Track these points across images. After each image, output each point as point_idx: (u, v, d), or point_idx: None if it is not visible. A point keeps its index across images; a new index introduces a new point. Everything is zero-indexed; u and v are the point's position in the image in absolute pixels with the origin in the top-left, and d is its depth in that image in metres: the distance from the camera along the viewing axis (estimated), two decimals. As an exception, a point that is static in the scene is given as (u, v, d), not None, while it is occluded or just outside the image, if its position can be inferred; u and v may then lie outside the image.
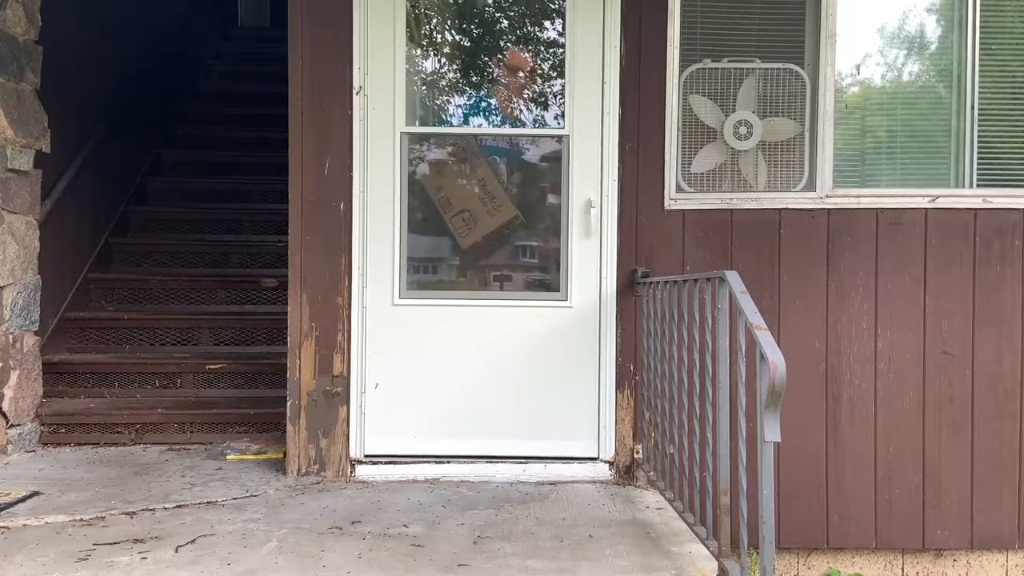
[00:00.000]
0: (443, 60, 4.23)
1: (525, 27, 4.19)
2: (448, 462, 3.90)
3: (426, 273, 4.11)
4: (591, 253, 3.94)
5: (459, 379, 3.92)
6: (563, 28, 4.03)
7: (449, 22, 4.19)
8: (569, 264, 3.95)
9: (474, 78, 4.12)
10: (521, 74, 4.10)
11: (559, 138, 3.97)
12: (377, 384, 3.93)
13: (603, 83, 3.90)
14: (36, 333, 4.59)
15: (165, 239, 5.95)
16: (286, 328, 3.87)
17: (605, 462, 3.92)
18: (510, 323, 3.92)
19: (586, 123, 3.94)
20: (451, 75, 4.24)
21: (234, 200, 6.34)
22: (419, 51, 4.08)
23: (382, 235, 3.90)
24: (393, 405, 3.92)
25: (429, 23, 4.12)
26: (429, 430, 3.93)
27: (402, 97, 3.92)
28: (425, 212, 4.06)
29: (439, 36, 4.22)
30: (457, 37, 4.40)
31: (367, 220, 3.89)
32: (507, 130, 4.06)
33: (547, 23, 4.15)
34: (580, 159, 3.94)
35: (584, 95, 3.95)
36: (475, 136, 4.05)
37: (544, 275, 4.03)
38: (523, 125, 4.07)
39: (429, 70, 4.13)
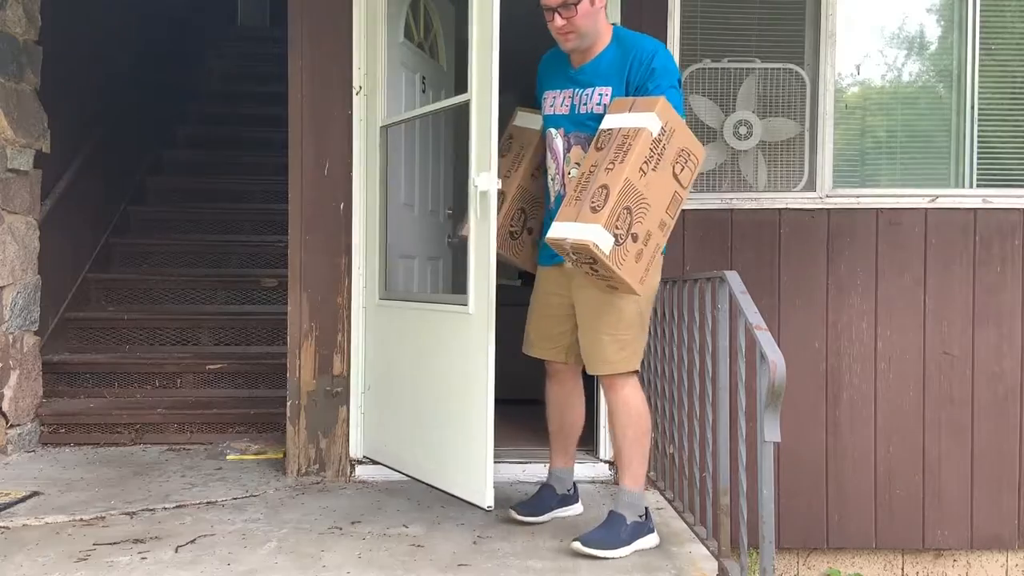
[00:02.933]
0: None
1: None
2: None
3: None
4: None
5: (434, 383, 3.88)
6: (563, 28, 4.01)
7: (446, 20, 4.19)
8: (569, 264, 3.92)
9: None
10: None
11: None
12: (369, 387, 3.92)
13: (603, 83, 3.88)
14: (36, 333, 4.59)
15: (165, 239, 5.95)
16: (286, 328, 3.87)
17: (605, 462, 3.91)
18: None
19: (586, 123, 3.92)
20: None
21: (234, 200, 6.34)
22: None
23: (373, 233, 3.88)
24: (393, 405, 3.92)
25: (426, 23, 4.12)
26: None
27: (384, 92, 3.87)
28: (425, 212, 4.05)
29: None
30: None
31: (367, 220, 3.88)
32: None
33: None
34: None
35: (584, 95, 3.93)
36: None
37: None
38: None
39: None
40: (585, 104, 2.88)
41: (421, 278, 4.06)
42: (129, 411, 4.60)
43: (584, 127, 2.89)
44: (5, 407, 4.27)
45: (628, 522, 2.88)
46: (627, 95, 2.80)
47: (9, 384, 4.32)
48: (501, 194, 2.96)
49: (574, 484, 3.30)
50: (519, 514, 3.18)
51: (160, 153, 6.72)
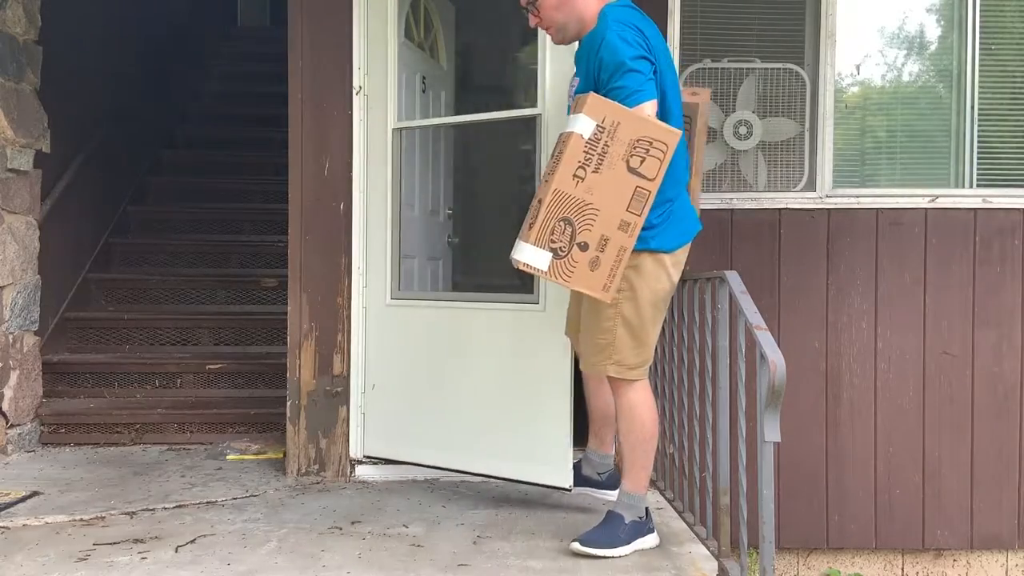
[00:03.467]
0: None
1: (521, 22, 4.19)
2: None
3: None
4: (591, 253, 3.92)
5: (448, 381, 3.90)
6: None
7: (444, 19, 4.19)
8: (569, 264, 3.93)
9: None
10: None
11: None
12: (374, 386, 3.92)
13: (603, 83, 3.88)
14: (36, 333, 4.59)
15: (165, 239, 5.95)
16: (286, 328, 3.87)
17: (605, 462, 3.91)
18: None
19: (586, 123, 3.93)
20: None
21: (234, 200, 6.34)
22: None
23: (382, 234, 3.89)
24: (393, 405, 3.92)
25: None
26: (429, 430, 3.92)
27: (395, 94, 3.88)
28: (425, 212, 4.05)
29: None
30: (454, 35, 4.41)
31: (367, 220, 3.88)
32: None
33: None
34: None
35: (584, 95, 3.93)
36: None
37: (544, 275, 4.01)
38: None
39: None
40: (569, 95, 2.88)
41: (421, 278, 4.06)
42: (129, 411, 4.60)
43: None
44: (5, 407, 4.27)
45: (627, 521, 2.87)
46: (595, 85, 2.66)
47: (9, 384, 4.32)
48: (538, 203, 2.76)
49: (610, 471, 3.23)
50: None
51: (160, 153, 6.72)
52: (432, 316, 3.75)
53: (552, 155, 2.65)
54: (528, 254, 2.53)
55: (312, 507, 3.42)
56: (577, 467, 3.27)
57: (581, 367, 3.05)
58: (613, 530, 2.85)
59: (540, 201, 2.56)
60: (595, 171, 2.54)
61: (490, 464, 3.53)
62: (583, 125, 2.52)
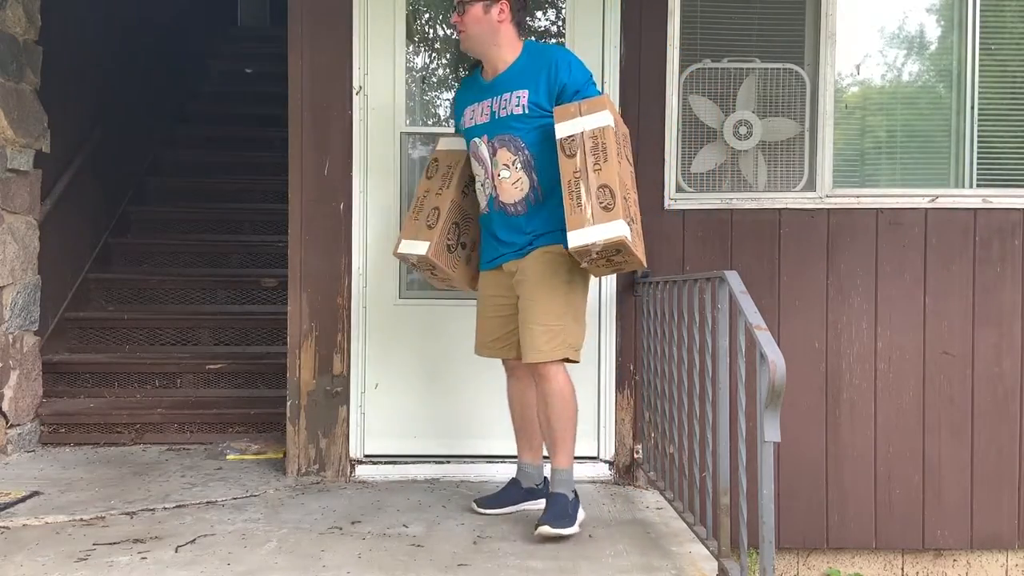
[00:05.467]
0: (442, 58, 4.23)
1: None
2: (448, 462, 3.90)
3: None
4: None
5: (459, 379, 3.92)
6: (562, 26, 4.03)
7: (443, 17, 4.19)
8: (569, 264, 3.94)
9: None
10: None
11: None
12: (377, 384, 3.93)
13: (603, 82, 3.89)
14: (36, 333, 4.59)
15: (165, 239, 5.95)
16: (286, 328, 3.87)
17: (605, 462, 3.92)
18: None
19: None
20: (450, 73, 4.24)
21: (234, 200, 6.35)
22: (422, 50, 4.08)
23: (382, 235, 3.90)
24: (393, 405, 3.92)
25: (425, 19, 4.12)
26: (429, 430, 3.93)
27: (402, 97, 3.91)
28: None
29: (438, 32, 4.22)
30: (452, 33, 4.38)
31: (367, 220, 3.89)
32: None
33: (545, 21, 4.15)
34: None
35: (584, 95, 3.94)
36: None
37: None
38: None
39: (431, 68, 4.14)
40: (504, 108, 3.07)
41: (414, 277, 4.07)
42: (129, 411, 4.60)
43: (507, 128, 3.07)
44: (5, 407, 4.27)
45: (569, 499, 3.09)
46: (548, 97, 3.01)
47: (9, 384, 4.32)
48: (436, 210, 3.24)
49: (544, 480, 3.31)
50: (479, 507, 3.35)
51: (160, 153, 6.72)
52: (440, 314, 3.90)
53: (573, 152, 2.90)
54: (623, 228, 2.79)
55: (312, 507, 3.42)
56: (514, 483, 3.39)
57: (524, 360, 3.11)
58: (564, 508, 3.05)
59: (606, 186, 2.83)
60: (625, 158, 2.99)
61: (493, 445, 3.79)
62: (610, 119, 2.90)
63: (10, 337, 4.35)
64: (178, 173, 6.66)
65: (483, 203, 3.19)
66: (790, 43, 4.15)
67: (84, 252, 5.47)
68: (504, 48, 3.11)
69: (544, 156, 3.03)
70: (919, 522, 4.03)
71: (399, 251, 3.27)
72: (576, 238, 2.82)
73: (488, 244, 3.23)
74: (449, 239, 3.25)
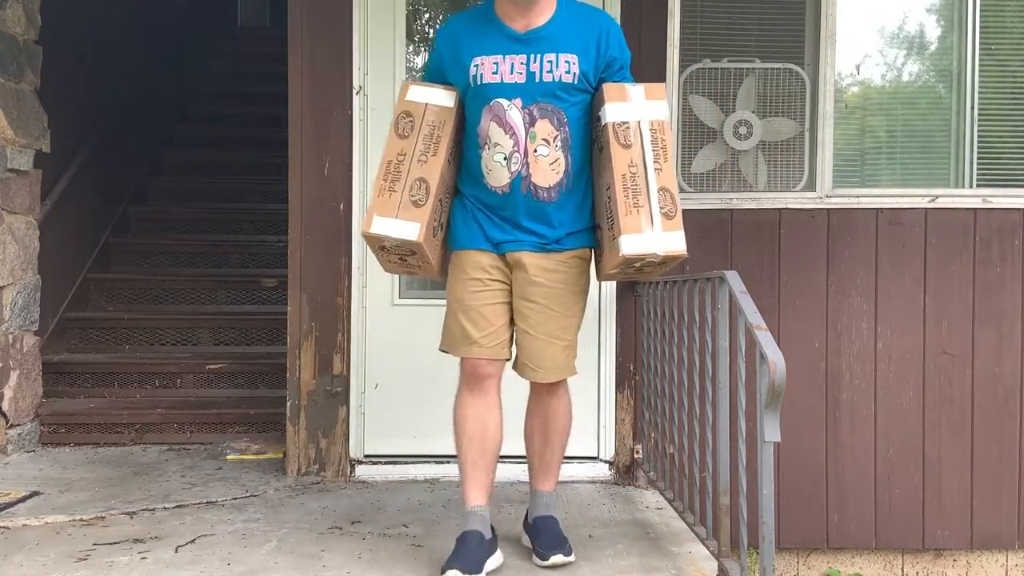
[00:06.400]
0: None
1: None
2: (448, 462, 3.90)
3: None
4: (591, 253, 3.93)
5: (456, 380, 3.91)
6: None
7: (443, 17, 4.19)
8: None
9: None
10: None
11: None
12: (377, 384, 3.93)
13: (603, 83, 3.88)
14: (36, 333, 4.59)
15: (165, 239, 5.96)
16: (286, 328, 3.87)
17: (605, 462, 3.92)
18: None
19: (586, 123, 3.93)
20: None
21: (234, 200, 6.35)
22: (422, 50, 4.08)
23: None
24: (393, 405, 3.92)
25: (425, 19, 4.12)
26: (429, 430, 3.93)
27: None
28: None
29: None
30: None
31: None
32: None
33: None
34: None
35: (584, 95, 3.93)
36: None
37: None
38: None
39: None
40: (550, 72, 2.58)
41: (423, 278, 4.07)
42: (129, 411, 4.60)
43: (551, 96, 2.60)
44: (5, 407, 4.27)
45: (561, 524, 2.85)
46: (594, 70, 2.62)
47: (9, 384, 4.32)
48: (422, 183, 2.61)
49: (492, 528, 2.79)
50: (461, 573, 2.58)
51: (160, 153, 6.73)
52: (440, 314, 3.74)
53: (629, 143, 2.54)
54: (682, 242, 2.53)
55: (312, 507, 3.42)
56: (476, 536, 2.67)
57: (536, 377, 2.73)
58: (561, 530, 2.82)
59: (667, 191, 2.53)
60: (672, 159, 2.61)
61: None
62: (667, 111, 2.64)
63: (10, 337, 4.35)
64: (178, 173, 6.67)
65: (498, 180, 2.63)
66: (790, 43, 4.15)
67: (84, 252, 5.47)
68: None
69: (579, 137, 2.66)
70: (919, 522, 4.03)
71: (373, 231, 2.59)
72: (633, 244, 2.46)
73: (489, 225, 2.69)
74: (435, 221, 2.66)
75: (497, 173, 2.63)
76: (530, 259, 2.66)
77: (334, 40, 3.83)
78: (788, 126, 4.10)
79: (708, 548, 2.90)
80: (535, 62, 2.59)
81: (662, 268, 2.61)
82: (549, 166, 2.60)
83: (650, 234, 2.47)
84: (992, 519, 4.04)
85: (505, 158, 2.62)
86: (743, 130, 4.08)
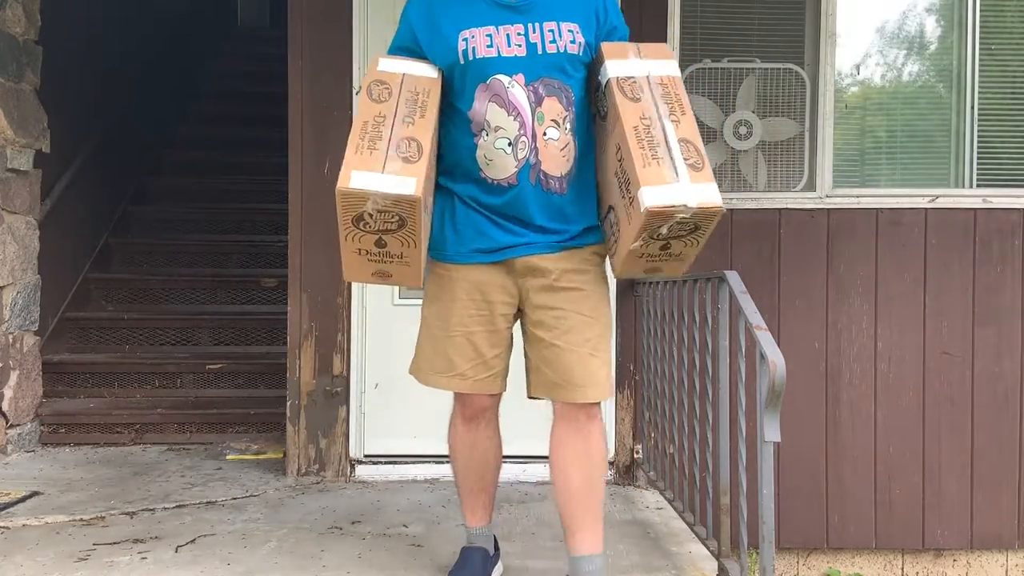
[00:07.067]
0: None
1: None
2: (448, 462, 3.89)
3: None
4: (591, 253, 3.93)
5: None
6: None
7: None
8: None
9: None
10: None
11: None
12: (377, 384, 3.93)
13: (603, 83, 3.88)
14: (36, 333, 4.59)
15: (165, 239, 5.95)
16: (286, 328, 3.87)
17: (609, 463, 3.91)
18: (510, 323, 3.91)
19: (586, 123, 3.92)
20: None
21: (234, 200, 6.34)
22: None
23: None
24: (393, 405, 3.92)
25: None
26: (429, 430, 3.93)
27: (402, 97, 3.91)
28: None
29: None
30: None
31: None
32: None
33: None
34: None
35: (584, 95, 3.93)
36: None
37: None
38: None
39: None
40: (553, 42, 2.22)
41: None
42: (129, 411, 4.60)
43: (558, 71, 2.24)
44: (5, 407, 4.27)
45: None
46: (597, 42, 2.30)
47: (9, 384, 4.32)
48: (412, 142, 2.14)
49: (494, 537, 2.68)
50: None
51: (160, 153, 6.72)
52: None
53: (637, 96, 2.18)
54: (717, 194, 2.06)
55: (312, 507, 3.42)
56: (480, 553, 2.56)
57: (565, 398, 2.32)
58: None
59: (688, 141, 2.11)
60: (693, 117, 2.24)
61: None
62: (677, 69, 2.27)
63: (10, 337, 4.35)
64: (178, 173, 6.66)
65: (502, 171, 2.24)
66: (790, 43, 4.16)
67: (84, 252, 5.47)
68: None
69: (583, 119, 2.32)
70: (919, 522, 4.03)
71: (352, 185, 2.11)
72: (657, 195, 2.01)
73: (490, 226, 2.30)
74: (429, 193, 2.21)
75: (500, 163, 2.24)
76: (548, 262, 2.29)
77: (334, 40, 3.83)
78: (788, 126, 4.10)
79: (708, 548, 2.90)
80: (534, 32, 2.23)
81: (693, 245, 2.14)
82: (560, 152, 2.24)
83: (676, 185, 2.03)
84: (992, 519, 4.04)
85: (510, 144, 2.23)
86: (743, 130, 4.08)
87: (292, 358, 3.85)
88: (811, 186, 4.06)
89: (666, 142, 2.09)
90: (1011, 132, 4.20)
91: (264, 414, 4.57)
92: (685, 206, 2.02)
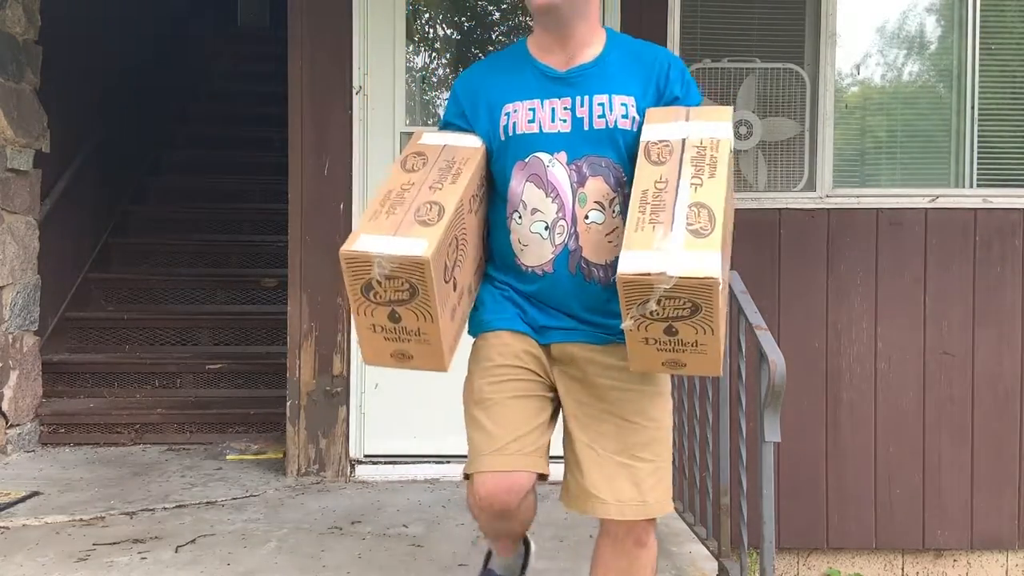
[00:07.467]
0: (441, 58, 4.24)
1: (516, 18, 4.19)
2: (448, 462, 3.90)
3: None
4: (591, 253, 3.92)
5: (459, 378, 3.91)
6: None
7: (443, 16, 4.19)
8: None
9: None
10: None
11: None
12: (377, 384, 3.93)
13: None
14: (36, 333, 4.59)
15: (165, 239, 5.95)
16: (286, 328, 3.87)
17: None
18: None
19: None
20: (450, 73, 4.25)
21: (234, 200, 6.34)
22: (422, 50, 4.08)
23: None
24: (393, 405, 3.92)
25: (425, 19, 4.12)
26: (429, 430, 3.93)
27: (402, 97, 3.91)
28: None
29: (438, 32, 4.23)
30: (452, 33, 4.41)
31: (367, 220, 3.89)
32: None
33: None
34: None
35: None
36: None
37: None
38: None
39: (431, 68, 4.14)
40: (602, 116, 2.00)
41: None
42: (129, 411, 4.60)
43: (605, 147, 1.99)
44: (5, 407, 4.27)
45: None
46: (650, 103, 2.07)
47: (9, 384, 4.32)
48: (433, 206, 1.92)
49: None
50: None
51: (160, 153, 6.72)
52: None
53: (662, 159, 1.93)
54: (717, 265, 1.73)
55: (312, 507, 3.42)
56: None
57: (601, 514, 2.04)
58: None
59: (704, 206, 1.84)
60: (729, 183, 1.96)
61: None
62: (730, 131, 2.00)
63: (10, 337, 4.35)
64: (178, 173, 6.66)
65: (537, 258, 1.99)
66: (790, 43, 4.16)
67: (84, 252, 5.47)
68: (593, 25, 2.08)
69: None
70: (919, 522, 4.03)
71: (356, 247, 1.82)
72: (632, 262, 1.72)
73: (530, 307, 2.05)
74: (449, 256, 1.93)
75: (535, 249, 1.99)
76: (588, 352, 2.00)
77: (334, 40, 3.83)
78: (788, 126, 4.10)
79: (708, 548, 2.90)
80: (582, 106, 2.02)
81: (706, 332, 1.76)
82: (605, 237, 1.96)
83: (659, 252, 1.74)
84: (992, 519, 4.04)
85: (546, 228, 1.99)
86: (743, 130, 4.08)
87: (292, 358, 3.85)
88: (811, 186, 4.06)
89: (673, 206, 1.84)
90: (1011, 132, 4.20)
91: (264, 414, 4.57)
92: (664, 274, 1.71)
